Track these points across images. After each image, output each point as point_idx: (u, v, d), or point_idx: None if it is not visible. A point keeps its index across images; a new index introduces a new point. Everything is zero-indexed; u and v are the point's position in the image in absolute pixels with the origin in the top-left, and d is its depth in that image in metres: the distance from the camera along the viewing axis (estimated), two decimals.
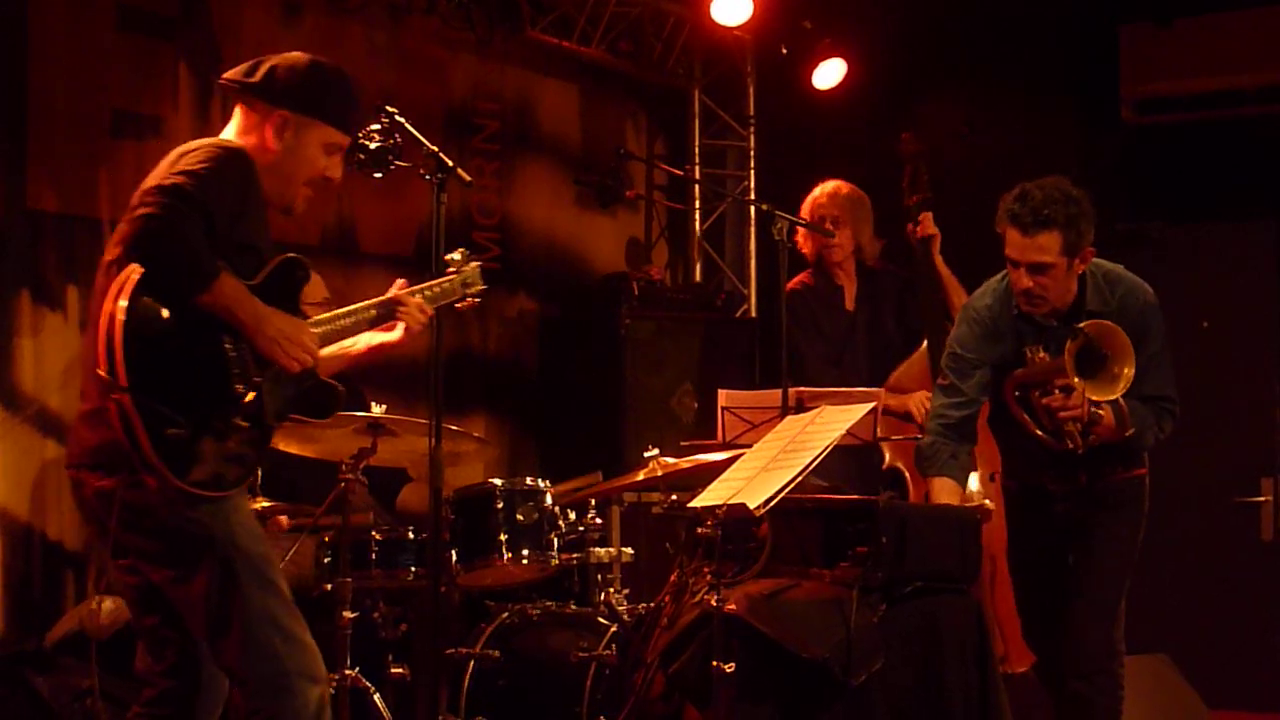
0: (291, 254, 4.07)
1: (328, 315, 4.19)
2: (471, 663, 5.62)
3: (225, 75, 4.14)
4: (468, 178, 4.61)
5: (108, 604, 6.04)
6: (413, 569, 5.70)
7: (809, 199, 6.72)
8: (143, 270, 3.71)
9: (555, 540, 5.76)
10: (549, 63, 8.47)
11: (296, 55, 4.14)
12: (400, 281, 4.39)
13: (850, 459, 5.89)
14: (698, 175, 9.05)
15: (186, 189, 3.73)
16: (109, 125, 6.46)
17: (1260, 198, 7.91)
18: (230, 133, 4.10)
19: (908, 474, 6.37)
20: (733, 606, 4.70)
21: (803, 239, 6.70)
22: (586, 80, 8.74)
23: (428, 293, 4.42)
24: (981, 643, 5.01)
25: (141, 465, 3.71)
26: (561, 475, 6.26)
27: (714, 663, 4.60)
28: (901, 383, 6.45)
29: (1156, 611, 6.52)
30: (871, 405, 5.16)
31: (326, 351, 4.16)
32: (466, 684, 5.60)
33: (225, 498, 3.87)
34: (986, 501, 6.04)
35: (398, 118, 4.42)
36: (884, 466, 6.41)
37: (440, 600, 5.32)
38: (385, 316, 4.31)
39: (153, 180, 3.81)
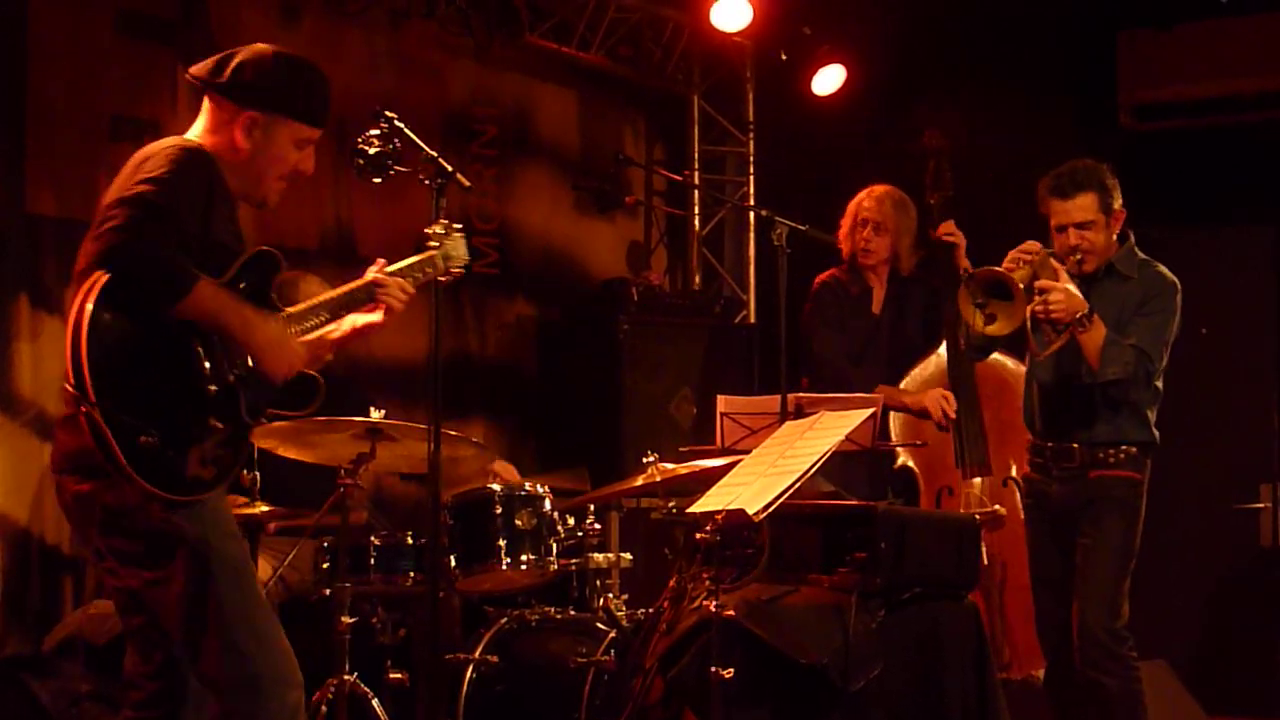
0: (264, 247, 4.01)
1: (303, 308, 4.10)
2: (470, 668, 5.61)
3: (192, 70, 4.07)
4: (466, 183, 4.59)
5: (106, 608, 6.05)
6: (411, 574, 5.70)
7: (855, 200, 6.67)
8: (106, 277, 3.67)
9: (554, 545, 5.76)
10: (548, 68, 8.47)
11: (262, 49, 4.06)
12: (380, 262, 4.31)
13: (860, 459, 5.89)
14: (697, 181, 9.05)
15: (150, 198, 3.69)
16: (108, 129, 6.46)
17: (1259, 203, 7.92)
18: (198, 128, 4.04)
19: (920, 473, 6.37)
20: (731, 612, 4.70)
21: (843, 236, 6.66)
22: (585, 86, 8.74)
23: (408, 272, 4.34)
24: (980, 649, 5.01)
25: (116, 473, 3.69)
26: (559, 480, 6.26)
27: (712, 668, 4.60)
28: (913, 386, 6.44)
29: (1156, 617, 6.53)
30: (870, 411, 5.15)
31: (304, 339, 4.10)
32: (465, 689, 5.59)
33: (203, 500, 3.84)
34: (998, 507, 6.08)
35: (396, 123, 4.40)
36: (895, 466, 6.40)
37: (439, 605, 5.32)
38: (364, 301, 4.23)
39: (115, 192, 3.77)
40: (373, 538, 5.69)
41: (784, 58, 8.47)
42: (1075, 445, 5.65)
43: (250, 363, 3.89)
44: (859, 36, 8.34)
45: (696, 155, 9.20)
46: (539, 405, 8.29)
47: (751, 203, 9.06)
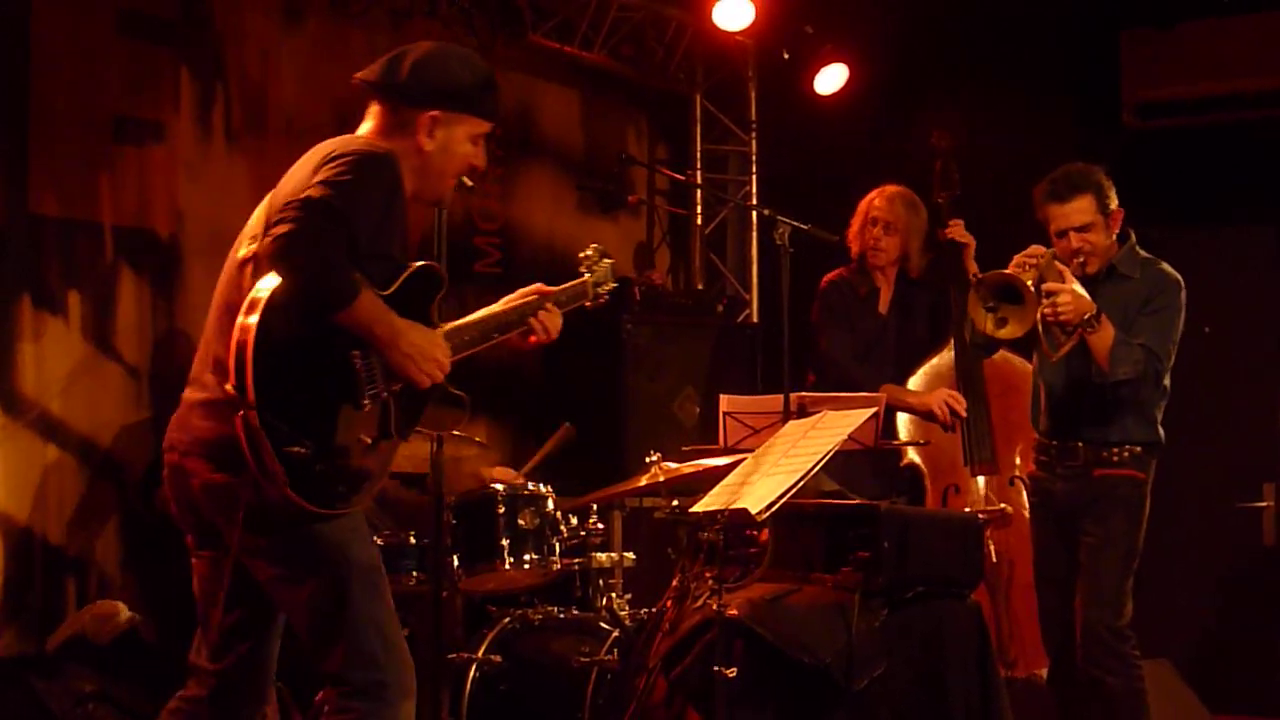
0: (427, 262, 4.01)
1: (458, 325, 4.12)
2: (473, 668, 5.61)
3: (361, 75, 4.06)
4: (469, 182, 4.57)
5: (109, 608, 6.06)
6: (414, 574, 5.70)
7: (865, 199, 6.66)
8: (278, 282, 3.66)
9: (557, 545, 5.76)
10: (550, 68, 8.47)
11: (433, 47, 4.09)
12: (536, 286, 4.34)
13: (865, 458, 5.89)
14: (699, 180, 9.05)
15: (330, 202, 3.66)
16: (110, 130, 6.45)
17: (1261, 202, 7.91)
18: (368, 132, 4.03)
19: (926, 471, 6.36)
20: (734, 611, 4.70)
21: (853, 236, 6.65)
22: (588, 85, 8.74)
23: (562, 298, 4.39)
24: (983, 647, 5.01)
25: (264, 479, 3.66)
26: (563, 480, 6.25)
27: (716, 668, 4.60)
28: (921, 384, 6.43)
29: (1159, 616, 6.53)
30: (873, 410, 5.15)
31: None
32: (468, 689, 5.59)
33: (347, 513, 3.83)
34: (1004, 506, 6.08)
35: None
36: (902, 464, 6.40)
37: (442, 605, 5.32)
38: (517, 324, 4.28)
39: (295, 189, 3.76)
40: (376, 538, 5.68)
41: (786, 57, 8.47)
42: (1080, 444, 5.66)
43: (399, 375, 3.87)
44: (861, 36, 8.33)
45: (699, 154, 9.21)
46: (542, 405, 8.28)
47: (754, 202, 9.07)
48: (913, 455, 6.39)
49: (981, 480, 6.26)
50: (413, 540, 5.72)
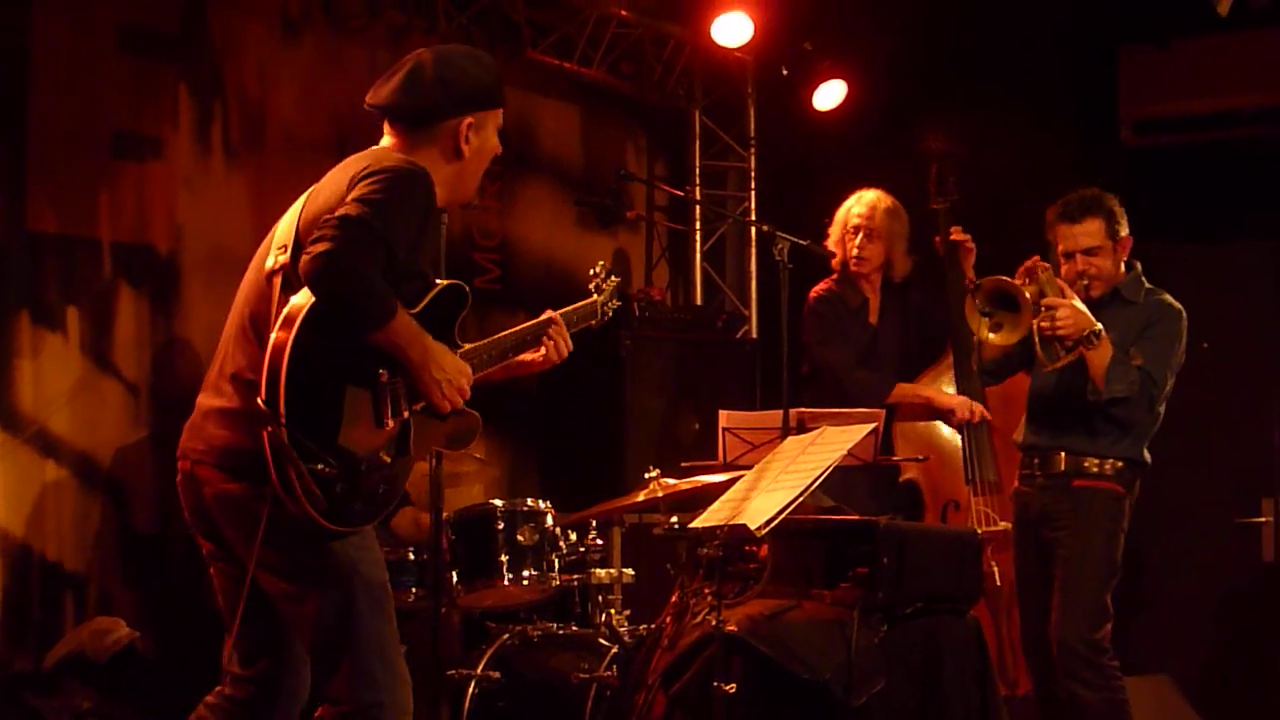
0: (455, 281, 4.02)
1: (476, 346, 4.12)
2: (472, 684, 5.61)
3: (375, 102, 4.04)
4: (474, 199, 4.60)
5: (107, 625, 6.05)
6: (413, 590, 5.70)
7: (844, 206, 6.62)
8: (313, 301, 3.65)
9: (556, 561, 5.76)
10: (549, 84, 8.48)
11: (441, 57, 4.08)
12: (548, 311, 4.37)
13: (864, 473, 5.89)
14: (698, 196, 9.06)
15: (368, 221, 3.65)
16: (109, 146, 6.46)
17: (1259, 218, 7.92)
18: (396, 146, 4.01)
19: (925, 489, 6.35)
20: (734, 627, 4.70)
21: (835, 244, 6.62)
22: (587, 101, 8.75)
23: (574, 318, 4.42)
24: (982, 664, 5.02)
25: (285, 495, 3.64)
26: (562, 495, 6.25)
27: (715, 684, 4.60)
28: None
29: (1158, 632, 6.52)
30: (872, 426, 5.16)
31: None
32: (467, 706, 5.59)
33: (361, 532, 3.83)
34: (1006, 525, 6.07)
35: None
36: (901, 480, 6.39)
37: (440, 621, 5.31)
38: (532, 344, 4.30)
39: (327, 202, 3.75)
40: None
41: (785, 73, 8.48)
42: (1062, 453, 5.66)
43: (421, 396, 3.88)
44: (860, 52, 8.34)
45: (698, 170, 9.22)
46: (541, 421, 8.28)
47: (753, 218, 9.07)
48: (912, 472, 6.38)
49: (983, 499, 6.25)
50: (411, 556, 5.72)
